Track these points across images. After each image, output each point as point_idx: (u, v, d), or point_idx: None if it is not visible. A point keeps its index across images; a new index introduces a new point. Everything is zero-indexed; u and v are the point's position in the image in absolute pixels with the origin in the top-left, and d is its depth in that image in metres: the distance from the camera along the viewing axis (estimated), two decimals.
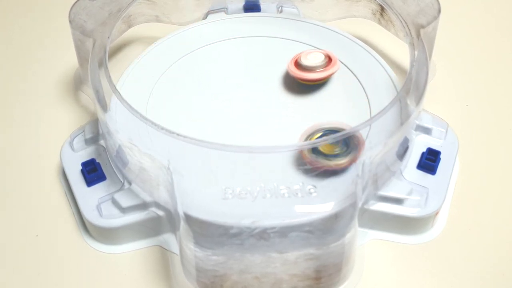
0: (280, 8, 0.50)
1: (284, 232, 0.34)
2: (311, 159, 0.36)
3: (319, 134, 0.38)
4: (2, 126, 0.47)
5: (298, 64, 0.43)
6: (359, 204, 0.35)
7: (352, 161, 0.36)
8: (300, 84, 0.44)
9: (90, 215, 0.39)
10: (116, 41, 0.48)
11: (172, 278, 0.38)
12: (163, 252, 0.39)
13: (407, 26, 0.42)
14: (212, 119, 0.42)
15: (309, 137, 0.38)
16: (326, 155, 0.36)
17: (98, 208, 0.39)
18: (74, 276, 0.39)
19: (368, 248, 0.39)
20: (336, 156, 0.36)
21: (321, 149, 0.36)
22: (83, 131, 0.43)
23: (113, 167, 0.41)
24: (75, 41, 0.44)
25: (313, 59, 0.44)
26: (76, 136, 0.42)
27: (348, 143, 0.36)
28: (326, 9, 0.49)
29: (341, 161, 0.36)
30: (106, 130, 0.39)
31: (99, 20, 0.44)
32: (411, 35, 0.42)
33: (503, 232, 0.40)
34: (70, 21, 0.43)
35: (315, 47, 0.47)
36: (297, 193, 0.35)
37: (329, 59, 0.44)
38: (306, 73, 0.43)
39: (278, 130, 0.41)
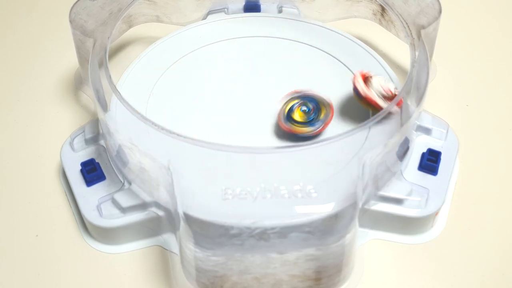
0: (280, 8, 0.50)
1: (284, 232, 0.34)
2: (286, 126, 0.40)
3: (296, 101, 0.41)
4: (2, 126, 0.47)
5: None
6: (360, 205, 0.35)
7: (322, 128, 0.41)
8: (301, 85, 0.44)
9: (90, 215, 0.39)
10: (116, 41, 0.48)
11: (172, 278, 0.38)
12: (163, 252, 0.39)
13: (408, 26, 0.42)
14: (212, 119, 0.42)
15: (286, 103, 0.41)
16: (299, 122, 0.40)
17: (98, 208, 0.39)
18: (74, 276, 0.39)
19: (368, 248, 0.39)
20: (307, 123, 0.40)
21: (294, 117, 0.40)
22: (83, 131, 0.42)
23: (113, 167, 0.41)
24: (75, 41, 0.43)
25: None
26: (76, 136, 0.42)
27: (319, 112, 0.41)
28: (327, 9, 0.49)
29: (311, 129, 0.40)
30: (106, 130, 0.39)
31: (99, 20, 0.44)
32: (411, 36, 0.42)
33: (503, 232, 0.40)
34: (70, 21, 0.43)
35: (315, 47, 0.47)
36: (297, 194, 0.35)
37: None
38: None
39: (278, 130, 0.41)
